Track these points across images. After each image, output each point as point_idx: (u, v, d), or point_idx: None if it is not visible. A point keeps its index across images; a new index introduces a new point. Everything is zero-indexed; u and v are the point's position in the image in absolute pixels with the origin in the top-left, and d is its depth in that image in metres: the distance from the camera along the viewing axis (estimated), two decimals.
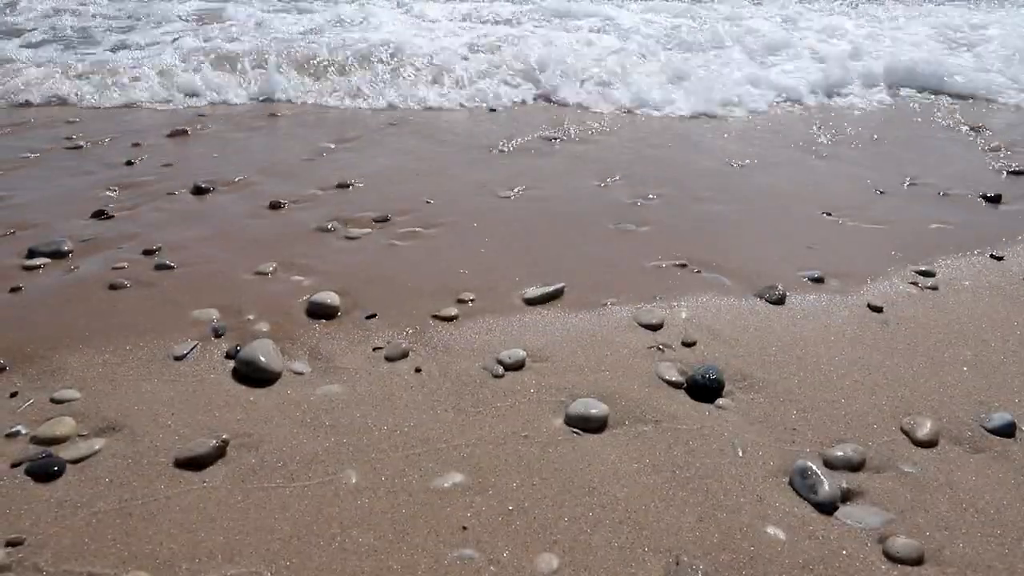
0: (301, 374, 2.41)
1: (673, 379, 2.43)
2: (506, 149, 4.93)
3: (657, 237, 3.63)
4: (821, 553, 1.78)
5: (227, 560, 1.68)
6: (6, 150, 4.55)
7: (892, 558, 1.77)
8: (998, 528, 1.89)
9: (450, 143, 5.05)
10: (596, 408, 2.23)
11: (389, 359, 2.50)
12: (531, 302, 2.92)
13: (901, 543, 1.80)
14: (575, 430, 2.18)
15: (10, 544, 1.70)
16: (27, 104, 5.56)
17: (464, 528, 1.80)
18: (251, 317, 2.72)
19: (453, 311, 2.80)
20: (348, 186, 4.11)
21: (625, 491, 1.95)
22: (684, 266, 3.32)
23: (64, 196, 3.85)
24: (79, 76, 6.00)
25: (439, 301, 2.90)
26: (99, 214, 3.60)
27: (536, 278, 3.11)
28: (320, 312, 2.77)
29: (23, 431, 2.07)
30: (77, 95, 5.67)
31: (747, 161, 4.88)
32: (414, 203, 3.90)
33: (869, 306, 3.02)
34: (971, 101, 6.62)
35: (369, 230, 3.57)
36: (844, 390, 2.44)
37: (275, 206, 3.79)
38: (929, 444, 2.19)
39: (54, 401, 2.20)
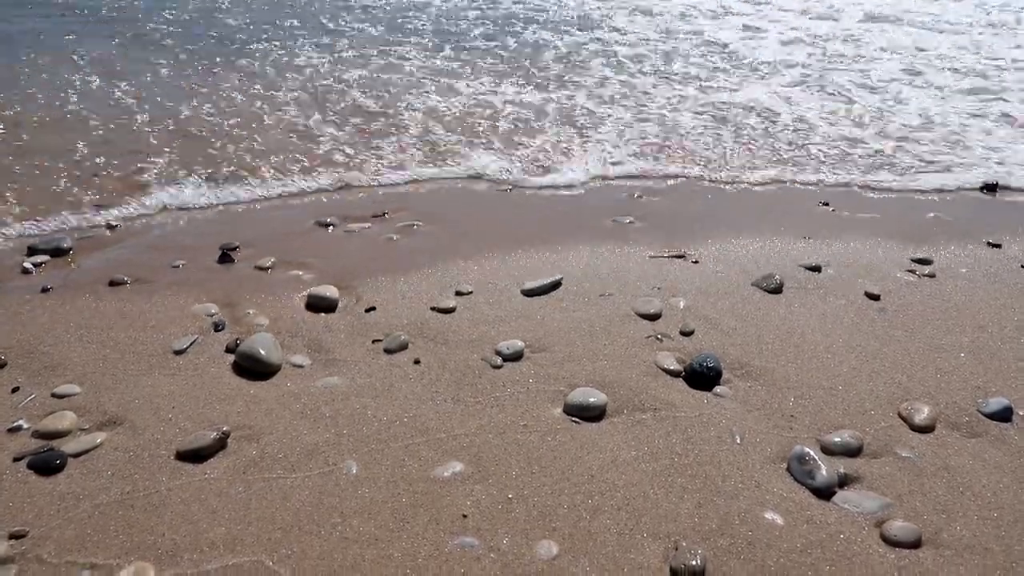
0: (301, 367, 2.42)
1: (671, 368, 2.44)
2: None
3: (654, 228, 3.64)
4: (819, 537, 1.79)
5: (229, 550, 1.70)
6: None
7: (890, 541, 1.78)
8: (995, 511, 1.90)
9: None
10: (595, 397, 2.24)
11: (388, 351, 2.51)
12: (529, 293, 2.93)
13: (899, 527, 1.81)
14: (574, 419, 2.19)
15: (13, 537, 1.71)
16: None
17: (464, 516, 1.81)
18: (251, 311, 2.73)
19: (452, 303, 2.81)
20: None
21: (624, 478, 1.96)
22: (682, 256, 3.33)
23: None
24: None
25: (438, 293, 2.91)
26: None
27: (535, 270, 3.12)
28: (319, 305, 2.77)
29: (25, 425, 2.08)
30: None
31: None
32: None
33: (866, 294, 3.03)
34: None
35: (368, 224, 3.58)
36: (842, 377, 2.45)
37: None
38: (926, 429, 2.21)
39: (55, 396, 2.21)
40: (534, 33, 7.93)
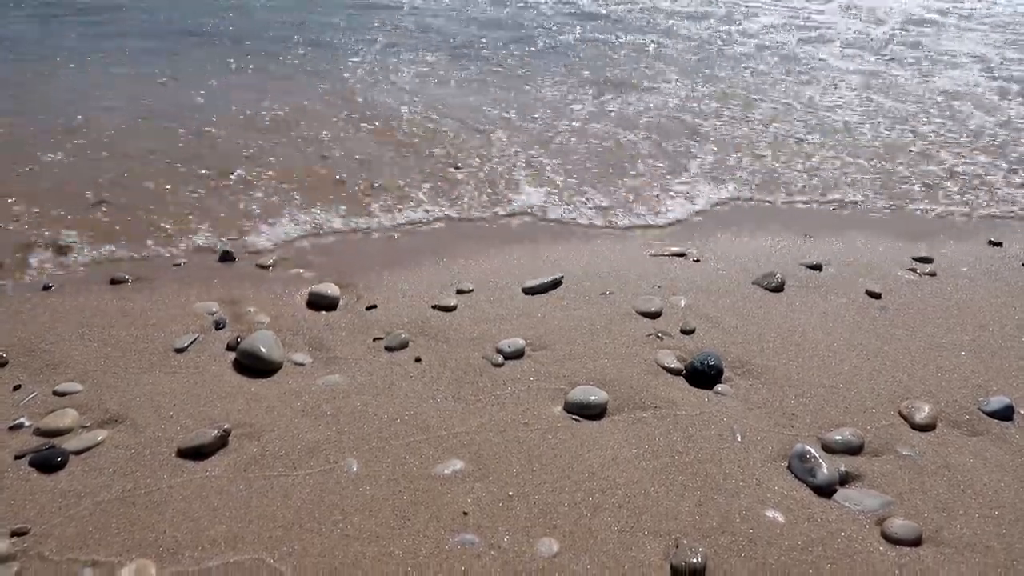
0: (302, 364, 2.42)
1: (672, 366, 2.44)
2: None
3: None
4: (820, 535, 1.79)
5: (230, 547, 1.70)
6: None
7: (890, 539, 1.78)
8: (996, 509, 1.90)
9: None
10: (595, 395, 2.24)
11: (389, 349, 2.51)
12: (530, 292, 2.93)
13: (899, 525, 1.81)
14: (575, 417, 2.19)
15: (15, 534, 1.71)
16: None
17: (465, 514, 1.82)
18: (252, 309, 2.73)
19: (452, 301, 2.81)
20: None
21: (625, 476, 1.96)
22: (683, 255, 3.33)
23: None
24: None
25: (439, 291, 2.91)
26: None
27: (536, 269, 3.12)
28: (320, 303, 2.78)
29: (27, 423, 2.08)
30: None
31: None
32: None
33: (867, 292, 3.03)
34: None
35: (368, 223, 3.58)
36: (843, 375, 2.45)
37: None
38: (927, 428, 2.21)
39: (56, 394, 2.21)
40: (589, 38, 7.73)
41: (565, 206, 3.88)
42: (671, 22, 8.78)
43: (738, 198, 4.12)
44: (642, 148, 4.77)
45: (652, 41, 7.72)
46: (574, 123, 5.18)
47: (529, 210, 3.82)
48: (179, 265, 3.08)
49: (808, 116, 5.63)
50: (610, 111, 5.49)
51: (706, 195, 4.10)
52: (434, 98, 5.51)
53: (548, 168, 4.35)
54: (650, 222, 3.76)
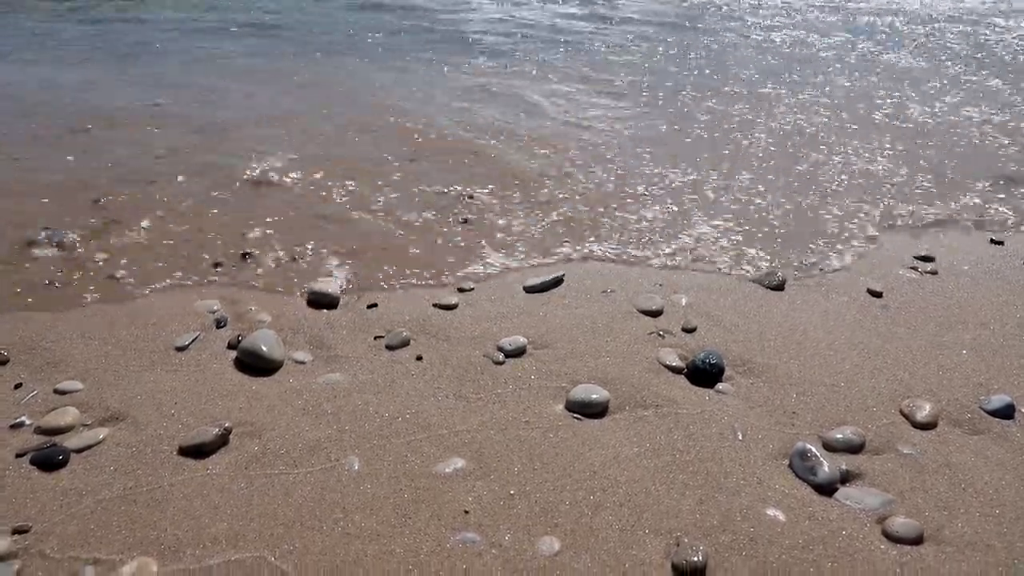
0: (303, 363, 2.42)
1: (673, 364, 2.44)
2: None
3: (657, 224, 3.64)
4: (821, 534, 1.79)
5: (231, 545, 1.70)
6: None
7: (891, 538, 1.78)
8: (997, 508, 1.90)
9: None
10: (597, 393, 2.24)
11: (390, 347, 2.51)
12: (531, 290, 2.93)
13: (900, 523, 1.81)
14: (576, 415, 2.19)
15: (16, 532, 1.71)
16: None
17: (466, 512, 1.82)
18: (253, 307, 2.73)
19: (453, 299, 2.81)
20: None
21: (626, 474, 1.96)
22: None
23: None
24: None
25: (440, 289, 2.91)
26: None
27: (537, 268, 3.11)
28: (321, 302, 2.78)
29: (28, 421, 2.08)
30: None
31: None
32: None
33: (869, 291, 3.02)
34: None
35: (370, 217, 3.58)
36: (844, 374, 2.45)
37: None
38: (928, 426, 2.20)
39: (58, 392, 2.21)
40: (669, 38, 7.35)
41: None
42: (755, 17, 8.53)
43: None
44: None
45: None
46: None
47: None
48: (181, 263, 3.08)
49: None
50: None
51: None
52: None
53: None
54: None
